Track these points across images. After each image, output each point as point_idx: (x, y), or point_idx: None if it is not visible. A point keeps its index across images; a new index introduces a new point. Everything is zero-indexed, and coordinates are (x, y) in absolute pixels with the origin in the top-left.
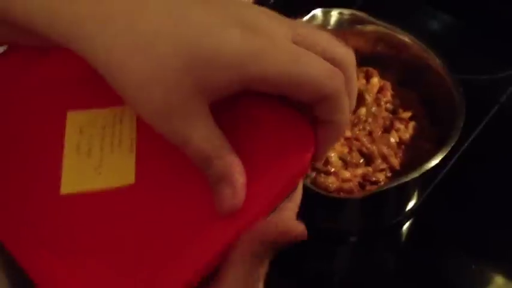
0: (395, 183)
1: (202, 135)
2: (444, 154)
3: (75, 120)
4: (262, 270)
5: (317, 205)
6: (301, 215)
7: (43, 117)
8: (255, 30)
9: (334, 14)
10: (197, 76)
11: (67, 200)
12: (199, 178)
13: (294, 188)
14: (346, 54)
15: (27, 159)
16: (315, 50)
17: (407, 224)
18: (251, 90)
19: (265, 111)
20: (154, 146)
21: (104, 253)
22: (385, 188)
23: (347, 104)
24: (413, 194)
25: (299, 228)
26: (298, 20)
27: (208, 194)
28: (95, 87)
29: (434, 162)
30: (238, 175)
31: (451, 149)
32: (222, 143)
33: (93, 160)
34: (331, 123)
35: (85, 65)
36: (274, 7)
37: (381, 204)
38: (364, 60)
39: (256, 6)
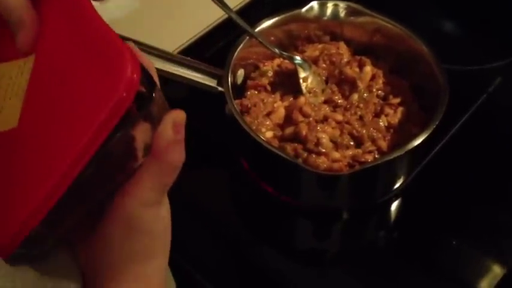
0: (380, 161)
1: None
2: (426, 135)
3: None
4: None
5: (308, 183)
6: (293, 194)
7: None
8: None
9: (330, 6)
10: None
11: None
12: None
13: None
14: None
15: None
16: None
17: (396, 203)
18: None
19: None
20: (42, 95)
21: None
22: (371, 165)
23: None
24: (400, 173)
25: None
26: None
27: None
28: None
29: (416, 142)
30: (32, 23)
31: (440, 133)
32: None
33: None
34: None
35: None
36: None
37: (369, 181)
38: (359, 49)
39: None
